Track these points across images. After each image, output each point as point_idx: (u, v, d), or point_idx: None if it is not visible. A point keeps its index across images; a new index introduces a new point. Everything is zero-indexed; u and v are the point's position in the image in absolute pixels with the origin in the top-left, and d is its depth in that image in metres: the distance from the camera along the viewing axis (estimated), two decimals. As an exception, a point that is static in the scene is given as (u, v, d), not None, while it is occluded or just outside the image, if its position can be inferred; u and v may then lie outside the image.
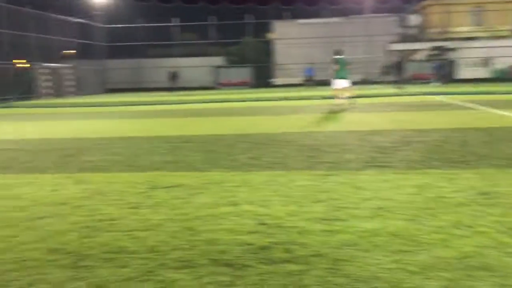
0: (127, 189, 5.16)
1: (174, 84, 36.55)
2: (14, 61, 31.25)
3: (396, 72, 24.22)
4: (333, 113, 13.92)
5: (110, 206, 4.48)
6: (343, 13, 41.89)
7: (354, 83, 18.28)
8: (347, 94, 15.98)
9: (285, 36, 41.24)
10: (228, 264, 3.02)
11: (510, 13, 42.12)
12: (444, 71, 34.93)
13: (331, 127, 10.50)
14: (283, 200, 4.47)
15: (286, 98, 21.45)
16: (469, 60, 39.10)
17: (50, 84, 33.80)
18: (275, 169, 5.95)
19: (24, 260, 3.18)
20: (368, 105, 16.35)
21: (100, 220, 4.05)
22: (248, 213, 4.09)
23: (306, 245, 3.29)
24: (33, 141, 9.52)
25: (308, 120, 12.03)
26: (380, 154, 6.76)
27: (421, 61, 39.59)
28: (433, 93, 22.62)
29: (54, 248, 3.40)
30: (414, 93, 22.33)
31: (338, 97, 15.94)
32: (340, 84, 15.68)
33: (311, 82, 34.99)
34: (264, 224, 3.80)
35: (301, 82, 36.35)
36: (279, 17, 42.79)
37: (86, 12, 40.42)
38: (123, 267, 3.04)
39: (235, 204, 4.39)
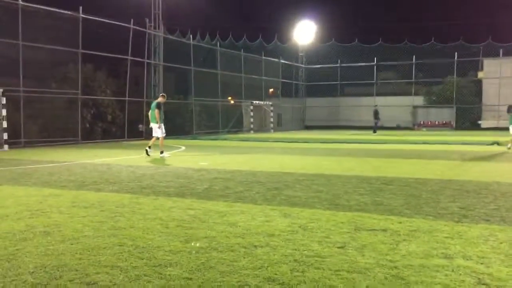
0: (331, 227, 5.25)
1: (376, 123, 35.60)
2: (228, 98, 35.13)
3: None
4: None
5: (316, 243, 4.60)
6: None
7: None
8: None
9: (496, 74, 37.81)
10: (446, 323, 2.81)
11: None
12: None
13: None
14: (505, 260, 4.01)
15: (497, 143, 19.42)
16: None
17: (254, 119, 36.83)
18: (492, 222, 5.39)
19: (245, 285, 3.46)
20: None
21: (308, 256, 4.19)
22: (465, 269, 3.77)
23: (541, 317, 2.87)
24: (243, 172, 10.42)
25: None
26: None
27: None
28: None
29: (270, 277, 3.62)
30: None
31: None
32: None
33: None
34: (484, 284, 3.45)
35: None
36: (489, 54, 39.40)
37: (292, 53, 43.35)
38: (335, 307, 3.07)
39: (448, 257, 4.09)
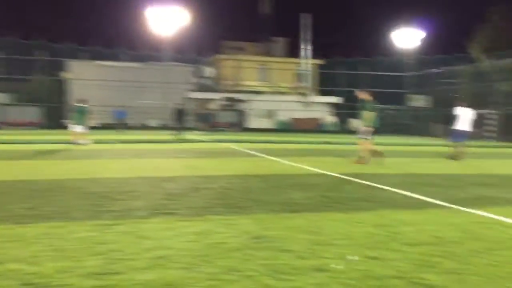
0: None
1: None
2: None
3: (177, 119, 25.74)
4: (125, 158, 13.73)
5: None
6: (142, 59, 42.37)
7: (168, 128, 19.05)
8: (84, 138, 19.53)
9: (82, 76, 39.67)
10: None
11: (288, 72, 48.26)
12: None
13: (122, 172, 10.28)
14: (57, 255, 4.15)
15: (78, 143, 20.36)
16: (256, 111, 43.31)
17: None
18: (55, 220, 5.52)
19: None
20: (161, 151, 16.63)
21: None
22: (13, 273, 3.68)
23: (75, 304, 3.09)
24: None
25: (99, 165, 11.60)
26: (169, 201, 6.86)
27: (216, 110, 42.36)
28: (224, 140, 24.23)
29: None
30: (191, 140, 23.67)
31: (77, 141, 19.26)
32: (78, 129, 19.61)
33: (123, 125, 34.26)
34: (30, 284, 3.47)
35: (95, 125, 35.09)
36: (75, 56, 41.08)
37: None
38: None
39: (1, 262, 3.92)
